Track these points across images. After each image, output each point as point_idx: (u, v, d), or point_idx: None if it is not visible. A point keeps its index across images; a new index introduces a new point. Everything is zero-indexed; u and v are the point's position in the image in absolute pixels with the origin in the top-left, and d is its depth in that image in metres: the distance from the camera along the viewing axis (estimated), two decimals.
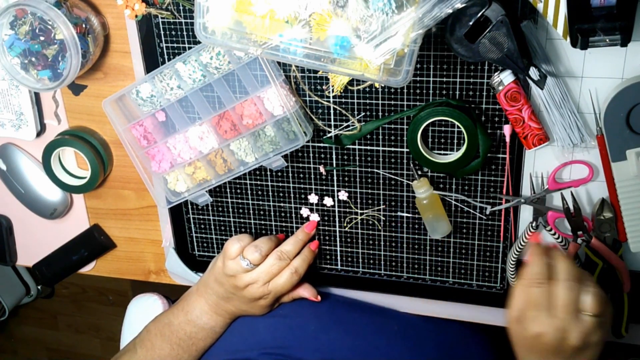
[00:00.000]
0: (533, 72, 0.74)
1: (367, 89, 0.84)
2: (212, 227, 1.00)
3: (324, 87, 0.86)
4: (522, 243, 0.86)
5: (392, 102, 0.84)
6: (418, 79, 0.82)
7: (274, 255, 0.88)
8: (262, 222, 0.98)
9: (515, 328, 0.73)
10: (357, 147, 0.88)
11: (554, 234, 0.85)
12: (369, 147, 0.88)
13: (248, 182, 0.95)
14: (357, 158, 0.89)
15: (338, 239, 0.96)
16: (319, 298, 0.94)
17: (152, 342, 0.93)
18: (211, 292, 0.92)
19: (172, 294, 1.04)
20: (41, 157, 1.01)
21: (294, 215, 0.96)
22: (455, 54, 0.77)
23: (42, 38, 0.86)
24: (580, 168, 0.82)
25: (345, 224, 0.94)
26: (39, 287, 2.46)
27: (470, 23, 0.70)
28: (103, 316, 2.45)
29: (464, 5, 0.65)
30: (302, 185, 0.93)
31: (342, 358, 0.90)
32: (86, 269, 1.14)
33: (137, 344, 0.94)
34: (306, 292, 0.93)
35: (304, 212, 0.95)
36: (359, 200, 0.92)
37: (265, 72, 0.83)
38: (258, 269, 0.88)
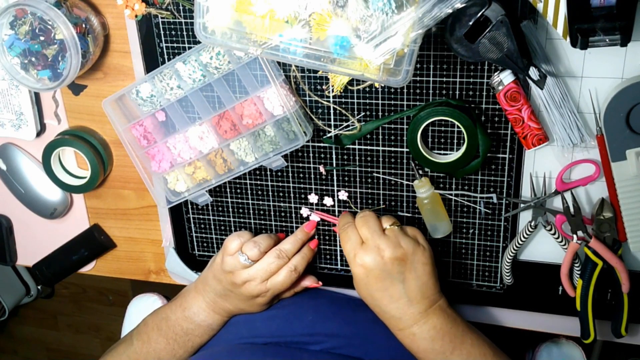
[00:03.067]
0: (533, 72, 0.74)
1: (367, 89, 0.84)
2: (212, 226, 1.00)
3: (324, 87, 0.86)
4: (520, 242, 0.86)
5: (392, 102, 0.84)
6: (418, 79, 0.82)
7: (272, 253, 0.89)
8: (262, 222, 0.98)
9: (355, 281, 0.84)
10: (357, 147, 0.89)
11: (554, 234, 0.85)
12: (369, 147, 0.88)
13: (248, 182, 0.95)
14: (357, 158, 0.89)
15: (338, 238, 0.96)
16: (321, 283, 0.95)
17: (148, 335, 0.93)
18: (209, 290, 0.92)
19: (172, 293, 1.04)
20: (41, 157, 1.01)
21: (294, 215, 0.96)
22: (455, 54, 0.77)
23: (42, 38, 0.86)
24: (585, 167, 0.82)
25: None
26: (39, 287, 2.46)
27: (470, 23, 0.70)
28: (103, 316, 2.45)
29: (463, 5, 0.65)
30: (302, 185, 0.93)
31: (339, 346, 0.90)
32: (86, 269, 1.14)
33: (134, 336, 0.95)
34: (307, 281, 0.94)
35: (304, 212, 0.95)
36: (359, 200, 0.92)
37: (265, 72, 0.83)
38: (256, 265, 0.88)
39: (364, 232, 0.82)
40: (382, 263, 0.80)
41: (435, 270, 0.83)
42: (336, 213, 0.94)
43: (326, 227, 0.95)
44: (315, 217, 0.94)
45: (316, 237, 0.96)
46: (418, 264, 0.81)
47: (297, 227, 0.96)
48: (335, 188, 0.92)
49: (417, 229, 0.86)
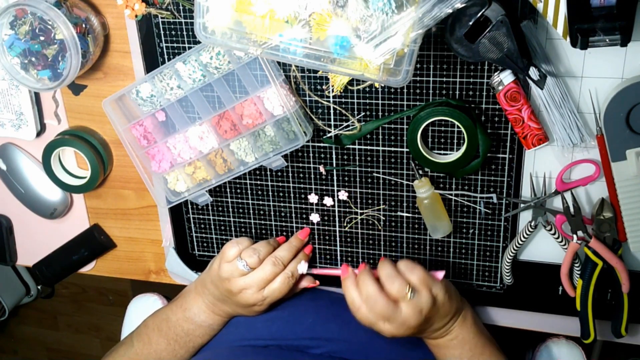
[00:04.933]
0: (533, 72, 0.74)
1: (367, 89, 0.84)
2: (212, 227, 1.00)
3: (324, 87, 0.86)
4: (520, 242, 0.86)
5: (392, 102, 0.84)
6: (418, 79, 0.82)
7: (268, 261, 0.88)
8: (262, 222, 0.98)
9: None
10: (357, 147, 0.89)
11: (554, 234, 0.85)
12: (369, 147, 0.88)
13: (248, 182, 0.95)
14: (357, 158, 0.89)
15: (338, 239, 0.96)
16: (318, 282, 0.95)
17: (149, 336, 0.93)
18: (208, 293, 0.92)
19: (172, 293, 1.04)
20: (41, 157, 1.01)
21: (294, 215, 0.96)
22: (455, 54, 0.77)
23: (42, 38, 0.86)
24: (585, 167, 0.82)
25: (345, 224, 0.94)
26: (39, 287, 2.46)
27: (470, 23, 0.70)
28: (103, 316, 2.45)
29: (464, 5, 0.65)
30: (302, 185, 0.93)
31: (340, 350, 0.90)
32: (86, 269, 1.14)
33: (135, 338, 0.95)
34: (304, 282, 0.94)
35: (314, 218, 0.95)
36: (359, 200, 0.92)
37: (265, 72, 0.83)
38: (252, 274, 0.88)
39: (382, 313, 0.79)
40: (410, 330, 0.80)
41: (449, 291, 0.83)
42: (336, 213, 0.94)
43: (326, 228, 0.95)
44: (303, 267, 0.92)
45: (316, 238, 0.96)
46: (439, 308, 0.82)
47: (297, 228, 0.96)
48: (335, 188, 0.92)
49: (419, 267, 0.82)
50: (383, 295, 0.79)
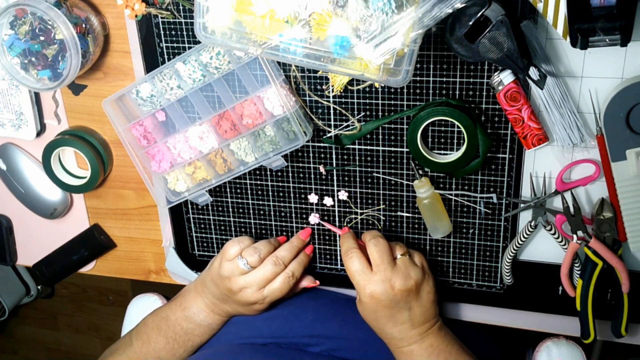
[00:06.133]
0: (533, 72, 0.74)
1: (367, 89, 0.84)
2: (212, 227, 1.00)
3: (324, 87, 0.86)
4: (520, 242, 0.86)
5: (392, 102, 0.84)
6: (418, 79, 0.82)
7: (269, 260, 0.88)
8: (262, 222, 0.98)
9: (360, 306, 0.85)
10: (357, 147, 0.89)
11: (554, 234, 0.85)
12: (369, 147, 0.88)
13: (248, 182, 0.95)
14: (357, 158, 0.89)
15: (338, 240, 0.96)
16: (318, 282, 0.95)
17: (148, 334, 0.93)
18: (208, 292, 0.92)
19: (172, 293, 1.04)
20: (41, 157, 1.01)
21: (294, 215, 0.96)
22: (455, 54, 0.77)
23: (42, 38, 0.86)
24: (585, 167, 0.82)
25: (345, 224, 0.94)
26: (39, 287, 2.46)
27: (470, 23, 0.70)
28: (103, 316, 2.45)
29: (463, 5, 0.65)
30: (302, 185, 0.93)
31: (339, 348, 0.90)
32: (86, 269, 1.14)
33: (134, 336, 0.95)
34: (305, 281, 0.94)
35: (312, 219, 0.95)
36: (359, 200, 0.92)
37: (265, 72, 0.83)
38: (252, 273, 0.88)
39: (376, 259, 0.82)
40: (392, 294, 0.81)
41: (436, 295, 0.85)
42: (336, 213, 0.94)
43: (325, 228, 0.95)
44: (315, 219, 0.94)
45: (316, 238, 0.96)
46: (424, 292, 0.84)
47: (297, 228, 0.96)
48: (335, 188, 0.92)
49: (422, 254, 0.88)
50: (385, 240, 0.85)
